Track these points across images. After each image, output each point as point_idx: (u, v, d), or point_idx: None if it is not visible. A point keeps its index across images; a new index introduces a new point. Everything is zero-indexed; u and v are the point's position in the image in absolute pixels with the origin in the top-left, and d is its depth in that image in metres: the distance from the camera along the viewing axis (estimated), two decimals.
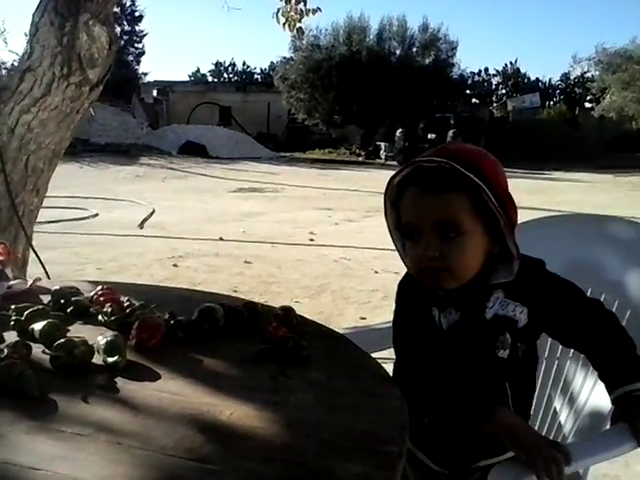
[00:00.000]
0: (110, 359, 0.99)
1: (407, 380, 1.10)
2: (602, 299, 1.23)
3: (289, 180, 14.70)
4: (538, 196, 10.88)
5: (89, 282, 1.45)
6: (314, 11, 6.25)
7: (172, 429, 0.78)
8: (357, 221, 8.53)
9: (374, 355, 1.30)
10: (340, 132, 28.91)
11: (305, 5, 5.91)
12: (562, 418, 1.24)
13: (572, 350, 1.29)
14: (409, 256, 1.14)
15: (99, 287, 1.34)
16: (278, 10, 5.85)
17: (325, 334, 1.10)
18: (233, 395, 0.88)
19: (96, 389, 0.91)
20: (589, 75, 23.78)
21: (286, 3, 5.90)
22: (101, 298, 1.28)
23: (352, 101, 24.41)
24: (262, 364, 0.97)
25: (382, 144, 24.06)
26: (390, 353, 1.43)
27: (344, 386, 0.89)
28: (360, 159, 24.16)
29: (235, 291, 4.59)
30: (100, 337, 1.04)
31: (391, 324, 1.33)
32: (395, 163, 21.74)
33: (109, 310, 1.20)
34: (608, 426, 1.10)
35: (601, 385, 1.20)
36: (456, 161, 1.04)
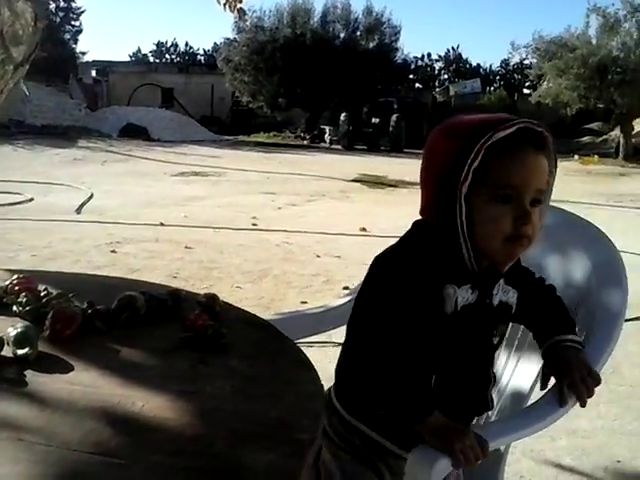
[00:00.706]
0: (20, 351, 0.95)
1: (376, 370, 1.00)
2: None
3: (232, 164, 14.54)
4: None
5: (5, 270, 1.39)
6: None
7: (79, 423, 0.76)
8: (300, 205, 8.52)
9: (306, 340, 1.29)
10: (285, 115, 28.74)
11: None
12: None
13: None
14: (496, 221, 1.01)
15: (15, 276, 1.29)
16: None
17: (249, 321, 1.09)
18: (148, 386, 0.86)
19: (3, 383, 0.88)
20: (527, 62, 24.32)
21: None
22: (16, 288, 1.23)
23: (296, 84, 24.28)
24: (182, 353, 0.96)
25: (327, 128, 24.07)
26: (319, 337, 1.43)
27: (263, 374, 0.89)
28: (305, 143, 24.11)
29: (175, 277, 4.52)
30: (10, 328, 1.00)
31: (323, 309, 1.33)
32: (340, 147, 21.82)
33: (24, 300, 1.15)
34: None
35: (522, 366, 1.24)
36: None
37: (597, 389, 2.99)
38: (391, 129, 21.15)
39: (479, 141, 0.98)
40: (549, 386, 1.11)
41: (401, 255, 1.05)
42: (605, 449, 2.38)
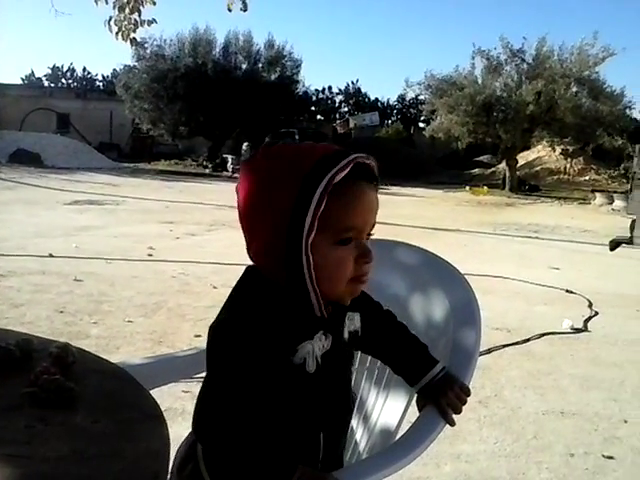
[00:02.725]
0: None
1: (240, 444, 0.93)
2: None
3: (131, 192, 14.16)
4: None
5: None
6: (149, 22, 6.11)
7: None
8: (200, 235, 8.40)
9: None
10: (187, 144, 28.45)
11: (140, 15, 5.75)
12: (357, 436, 1.29)
13: (367, 365, 1.36)
14: (341, 264, 0.97)
15: None
16: (110, 18, 5.64)
17: (105, 371, 1.04)
18: None
19: None
20: (422, 97, 25.51)
21: (119, 12, 5.70)
22: None
23: (199, 113, 24.16)
24: (22, 411, 0.89)
25: (229, 157, 24.04)
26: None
27: (106, 431, 0.84)
28: (207, 171, 23.92)
29: (62, 312, 4.32)
30: None
31: (195, 351, 1.30)
32: None
33: None
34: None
35: (390, 403, 1.28)
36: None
37: (481, 414, 3.11)
38: None
39: (317, 185, 0.91)
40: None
41: (243, 323, 0.96)
42: (486, 472, 2.48)
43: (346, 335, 1.07)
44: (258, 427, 0.94)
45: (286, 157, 0.97)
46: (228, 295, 1.03)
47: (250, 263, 1.03)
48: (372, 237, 1.02)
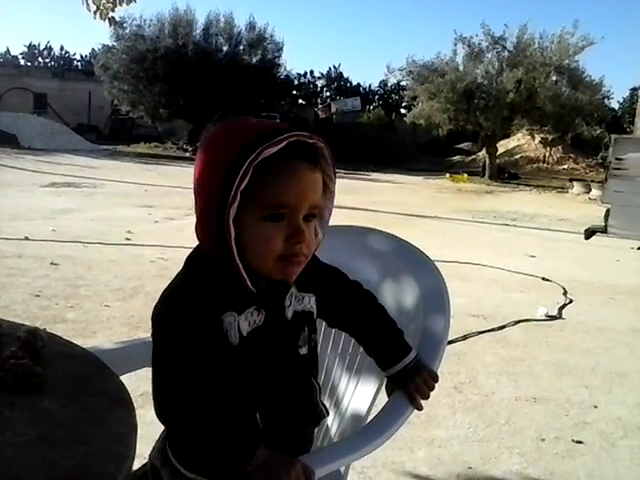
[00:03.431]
0: None
1: (190, 418, 0.96)
2: None
3: (109, 175, 14.01)
4: (356, 195, 11.44)
5: None
6: (128, 1, 6.03)
7: None
8: (179, 219, 8.35)
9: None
10: (167, 126, 28.18)
11: None
12: (329, 421, 1.30)
13: (339, 351, 1.37)
14: (267, 241, 0.98)
15: None
16: None
17: (75, 355, 1.04)
18: None
19: None
20: (403, 83, 25.51)
21: None
22: None
23: (179, 95, 23.89)
24: None
25: None
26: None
27: (74, 415, 0.85)
28: (187, 155, 23.71)
29: (38, 296, 4.27)
30: None
31: None
32: None
33: None
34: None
35: (360, 389, 1.30)
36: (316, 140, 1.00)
37: (455, 399, 3.15)
38: None
39: (246, 159, 0.92)
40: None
41: (175, 297, 1.00)
42: (459, 457, 2.52)
43: (289, 314, 1.08)
44: (211, 403, 0.95)
45: (226, 134, 1.00)
46: None
47: None
48: (335, 222, 1.06)
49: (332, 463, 0.97)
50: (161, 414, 0.98)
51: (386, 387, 1.21)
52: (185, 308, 0.97)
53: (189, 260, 1.05)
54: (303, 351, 1.10)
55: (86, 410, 0.86)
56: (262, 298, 1.03)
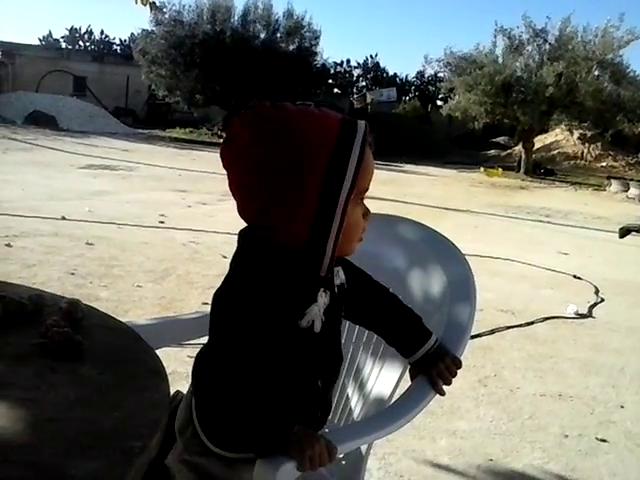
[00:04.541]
0: None
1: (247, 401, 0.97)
2: None
3: (145, 158, 14.21)
4: (388, 187, 11.41)
5: None
6: None
7: None
8: (211, 204, 8.45)
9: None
10: (202, 112, 28.34)
11: None
12: (352, 403, 1.34)
13: (364, 338, 1.40)
14: (359, 223, 1.03)
15: None
16: None
17: (112, 327, 1.09)
18: None
19: None
20: (440, 75, 25.22)
21: None
22: None
23: (215, 81, 23.99)
24: (32, 360, 0.94)
25: None
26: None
27: (111, 381, 0.89)
28: (221, 141, 23.81)
29: (73, 274, 4.39)
30: None
31: (200, 315, 1.35)
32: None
33: None
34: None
35: (384, 373, 1.32)
36: None
37: (479, 392, 3.15)
38: None
39: (351, 150, 0.96)
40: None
41: (250, 288, 0.98)
42: (480, 449, 2.53)
43: (336, 289, 1.11)
44: (258, 386, 0.98)
45: (300, 119, 0.99)
46: (231, 259, 1.05)
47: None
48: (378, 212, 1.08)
49: (354, 441, 1.00)
50: (205, 385, 1.00)
51: (410, 372, 1.23)
52: (264, 298, 0.97)
53: (249, 251, 1.03)
54: (341, 320, 1.16)
55: (122, 377, 0.91)
56: (327, 280, 1.05)
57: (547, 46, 20.63)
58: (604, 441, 2.67)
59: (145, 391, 0.87)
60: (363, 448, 1.24)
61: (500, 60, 20.98)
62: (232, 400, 0.97)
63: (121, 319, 1.18)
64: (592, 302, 4.99)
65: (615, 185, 17.14)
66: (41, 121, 20.96)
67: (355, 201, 1.00)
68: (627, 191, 16.01)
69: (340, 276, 1.13)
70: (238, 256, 1.04)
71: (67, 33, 44.26)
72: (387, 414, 1.10)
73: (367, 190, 1.04)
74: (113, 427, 0.77)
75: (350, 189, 0.96)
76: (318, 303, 1.03)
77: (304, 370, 1.06)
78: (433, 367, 1.17)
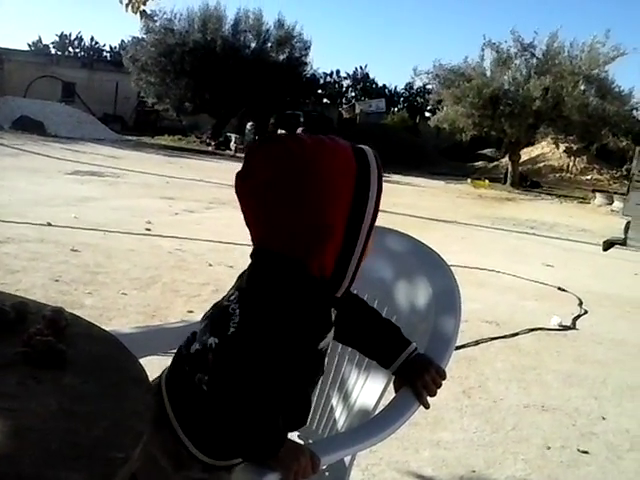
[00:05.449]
0: None
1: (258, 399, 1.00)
2: (375, 305, 1.36)
3: (132, 165, 14.15)
4: None
5: None
6: None
7: None
8: (199, 212, 8.43)
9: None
10: (191, 120, 28.33)
11: None
12: (337, 414, 1.34)
13: (349, 349, 1.40)
14: (372, 245, 1.09)
15: None
16: None
17: (96, 336, 1.08)
18: None
19: None
20: (429, 87, 25.40)
21: None
22: None
23: (205, 89, 24.03)
24: (15, 368, 0.93)
25: (233, 135, 23.96)
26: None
27: (94, 391, 0.89)
28: (210, 149, 23.85)
29: (57, 280, 4.36)
30: None
31: (185, 323, 1.35)
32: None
33: None
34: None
35: (369, 384, 1.33)
36: None
37: (463, 403, 3.17)
38: None
39: (370, 179, 1.01)
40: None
41: (286, 321, 1.01)
42: (463, 460, 2.54)
43: None
44: (268, 394, 1.01)
45: (322, 153, 1.03)
46: (248, 280, 1.07)
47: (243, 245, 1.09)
48: None
49: (337, 452, 1.01)
50: (225, 404, 1.01)
51: (394, 384, 1.24)
52: (298, 334, 1.02)
53: (275, 278, 1.05)
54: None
55: (105, 387, 0.91)
56: (338, 300, 1.09)
57: (534, 60, 20.86)
58: (586, 453, 2.69)
59: (128, 401, 0.87)
60: (347, 459, 1.24)
61: (488, 73, 21.18)
62: (243, 404, 0.99)
63: (105, 327, 1.18)
64: (576, 314, 5.03)
65: (600, 198, 17.31)
66: (29, 126, 20.81)
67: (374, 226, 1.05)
68: (611, 204, 16.17)
69: None
70: (264, 284, 1.05)
71: (57, 39, 44.11)
72: (371, 425, 1.11)
73: None
74: (95, 438, 0.77)
75: (373, 216, 1.02)
76: (332, 329, 1.10)
77: (304, 381, 1.10)
78: (418, 379, 1.18)
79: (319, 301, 1.04)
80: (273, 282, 1.04)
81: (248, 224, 1.06)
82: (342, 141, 1.06)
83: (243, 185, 1.05)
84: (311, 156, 1.01)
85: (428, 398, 1.18)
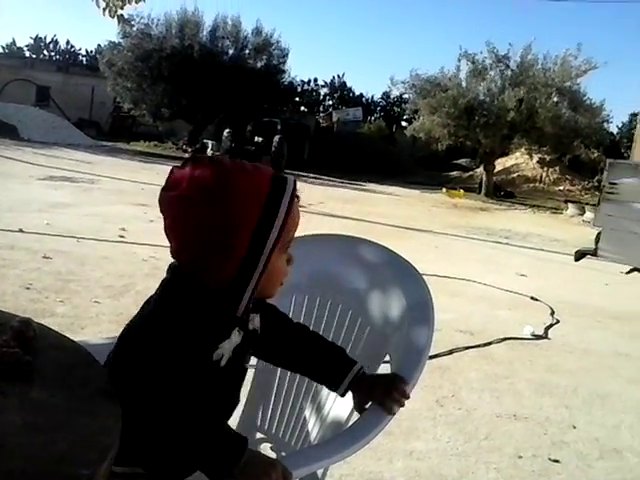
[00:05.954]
0: None
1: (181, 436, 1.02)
2: (348, 316, 1.36)
3: (107, 171, 14.01)
4: (352, 205, 11.49)
5: None
6: (137, 0, 6.06)
7: None
8: None
9: None
10: (168, 126, 28.19)
11: None
12: (310, 426, 1.34)
13: None
14: (283, 270, 1.14)
15: None
16: None
17: (65, 347, 1.07)
18: None
19: None
20: (406, 96, 25.62)
21: None
22: None
23: (182, 95, 23.93)
24: None
25: (209, 142, 23.87)
26: None
27: (61, 405, 0.87)
28: (186, 155, 23.66)
29: (28, 288, 4.29)
30: None
31: None
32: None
33: None
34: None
35: (341, 398, 1.33)
36: None
37: (437, 413, 3.17)
38: (273, 149, 21.40)
39: (280, 205, 1.06)
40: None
41: (172, 325, 1.06)
42: (436, 470, 2.55)
43: (249, 332, 1.18)
44: (200, 415, 1.04)
45: (237, 175, 1.08)
46: (159, 289, 1.13)
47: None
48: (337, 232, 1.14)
49: (309, 466, 1.00)
50: (153, 431, 1.02)
51: (354, 401, 1.23)
52: (185, 343, 1.05)
53: (175, 289, 1.11)
54: (247, 366, 1.22)
55: (73, 400, 0.89)
56: (242, 320, 1.13)
57: (509, 72, 21.18)
58: (557, 462, 2.72)
59: (96, 415, 0.85)
60: (319, 471, 1.24)
61: (464, 84, 21.45)
62: (170, 430, 1.01)
63: (77, 336, 1.17)
64: (548, 323, 5.10)
65: (572, 209, 17.59)
66: (1, 130, 20.49)
67: (281, 250, 1.10)
68: (583, 215, 16.43)
69: (255, 323, 1.20)
70: (165, 291, 1.11)
71: (32, 42, 43.59)
72: (344, 438, 1.11)
73: (292, 239, 1.13)
74: (61, 453, 0.75)
75: (276, 241, 1.06)
76: (231, 340, 1.11)
77: (207, 399, 1.10)
78: (384, 393, 1.18)
79: (212, 311, 1.08)
80: (171, 293, 1.11)
81: (169, 239, 1.13)
82: (265, 169, 1.11)
83: (163, 196, 1.10)
84: (224, 180, 1.06)
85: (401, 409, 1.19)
